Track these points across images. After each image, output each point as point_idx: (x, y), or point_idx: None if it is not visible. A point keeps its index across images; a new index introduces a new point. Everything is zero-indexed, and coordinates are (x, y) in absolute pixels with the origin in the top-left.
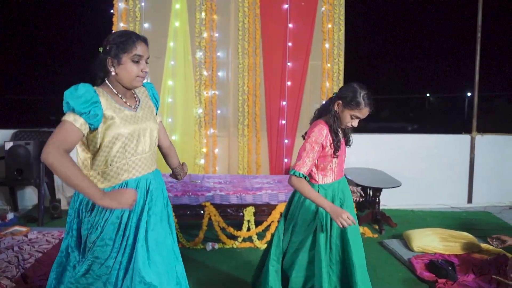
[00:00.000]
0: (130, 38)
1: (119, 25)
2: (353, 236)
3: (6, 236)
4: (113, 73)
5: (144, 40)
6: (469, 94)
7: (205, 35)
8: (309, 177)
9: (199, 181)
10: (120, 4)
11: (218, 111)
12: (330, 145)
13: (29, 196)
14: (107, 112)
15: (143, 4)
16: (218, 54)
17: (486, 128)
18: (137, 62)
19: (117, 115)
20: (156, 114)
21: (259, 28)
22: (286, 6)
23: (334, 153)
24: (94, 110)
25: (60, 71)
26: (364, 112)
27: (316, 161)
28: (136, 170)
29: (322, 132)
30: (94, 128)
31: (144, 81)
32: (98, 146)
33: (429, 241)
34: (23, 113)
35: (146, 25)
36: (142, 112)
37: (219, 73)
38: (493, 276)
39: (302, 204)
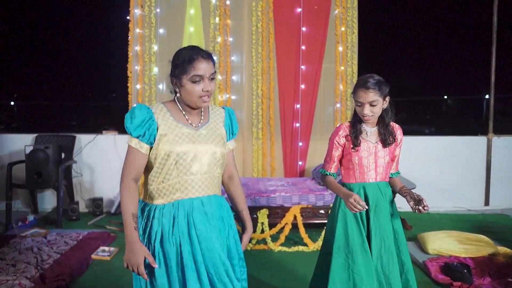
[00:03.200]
0: (188, 58)
1: (135, 31)
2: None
3: (26, 237)
4: (178, 94)
5: (205, 57)
6: (486, 96)
7: (219, 39)
8: (341, 175)
9: None
10: (136, 11)
11: None
12: (348, 141)
13: (49, 199)
14: (161, 129)
15: (158, 10)
16: (232, 58)
17: (504, 130)
18: (197, 82)
19: (172, 132)
20: (228, 141)
21: (272, 32)
22: (299, 10)
23: (352, 148)
24: (148, 131)
25: (79, 77)
26: (360, 94)
27: (343, 159)
28: (189, 190)
29: (338, 131)
30: (151, 145)
31: (209, 99)
32: (153, 162)
33: (444, 244)
34: (44, 118)
35: (161, 30)
36: (206, 131)
37: (234, 77)
38: (510, 280)
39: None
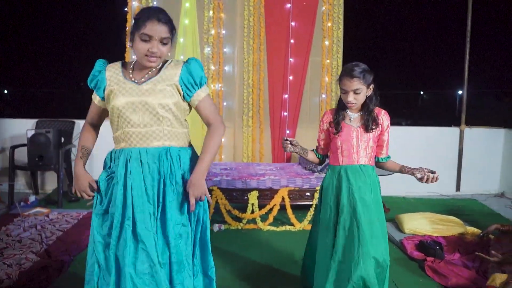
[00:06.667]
0: (143, 15)
1: (133, 22)
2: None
3: (30, 216)
4: (130, 47)
5: (160, 20)
6: (459, 91)
7: (212, 32)
8: (329, 158)
9: None
10: (134, 2)
11: (225, 103)
12: (331, 126)
13: (49, 181)
14: (110, 84)
15: (155, 2)
16: (225, 50)
17: (475, 122)
18: (146, 41)
19: (118, 87)
20: (195, 92)
21: (263, 26)
22: (288, 5)
23: (334, 133)
24: (97, 85)
25: (78, 66)
26: (345, 82)
27: (331, 143)
28: (131, 141)
29: (322, 117)
30: (103, 98)
31: (157, 62)
32: (109, 114)
33: (419, 224)
34: (44, 104)
35: None
36: (150, 86)
37: (226, 68)
38: (477, 253)
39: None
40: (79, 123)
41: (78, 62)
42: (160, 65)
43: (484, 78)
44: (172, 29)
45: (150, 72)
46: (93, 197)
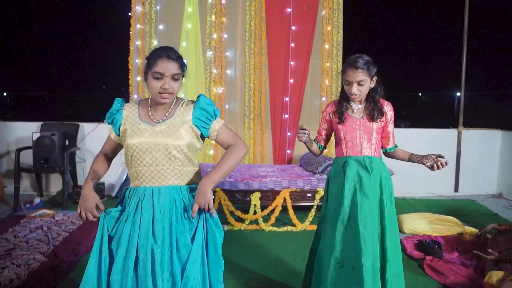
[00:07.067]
0: (154, 55)
1: (136, 27)
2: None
3: (36, 217)
4: (146, 88)
5: (170, 57)
6: (458, 93)
7: (214, 36)
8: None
9: None
10: (137, 7)
11: (226, 106)
12: (335, 116)
13: (53, 183)
14: (125, 123)
15: (158, 7)
16: (227, 53)
17: (472, 123)
18: (158, 79)
19: (131, 127)
20: (210, 126)
21: (264, 30)
22: (289, 10)
23: (338, 123)
24: (113, 122)
25: (83, 70)
26: (349, 74)
27: (334, 136)
28: (143, 179)
29: (327, 107)
30: (118, 134)
31: (170, 98)
32: (125, 152)
33: (418, 224)
34: (49, 107)
35: (161, 26)
36: (164, 127)
37: (228, 71)
38: (474, 252)
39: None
40: (83, 126)
41: (82, 66)
42: (173, 103)
43: (481, 80)
44: (182, 65)
45: (166, 113)
46: (98, 218)
